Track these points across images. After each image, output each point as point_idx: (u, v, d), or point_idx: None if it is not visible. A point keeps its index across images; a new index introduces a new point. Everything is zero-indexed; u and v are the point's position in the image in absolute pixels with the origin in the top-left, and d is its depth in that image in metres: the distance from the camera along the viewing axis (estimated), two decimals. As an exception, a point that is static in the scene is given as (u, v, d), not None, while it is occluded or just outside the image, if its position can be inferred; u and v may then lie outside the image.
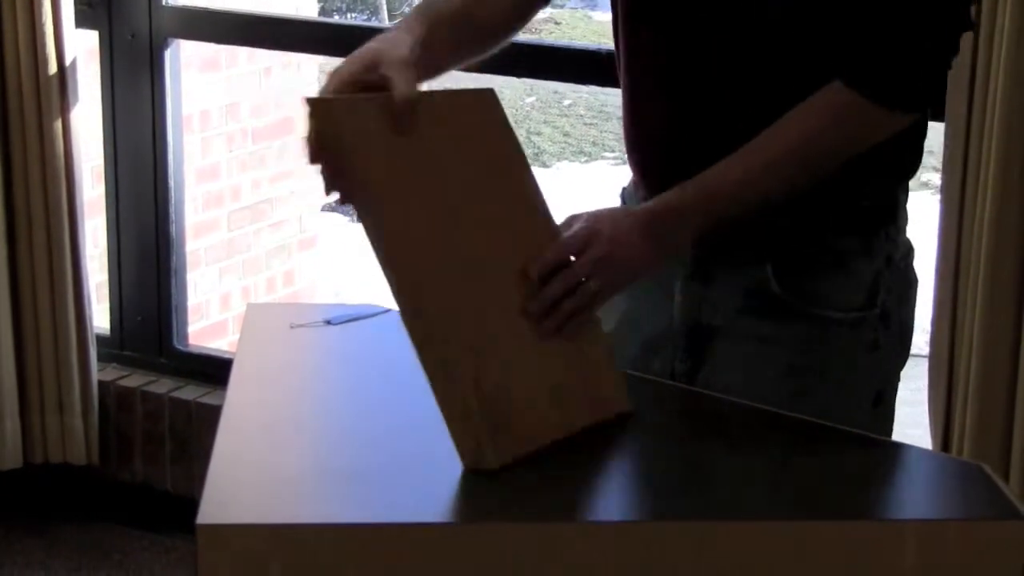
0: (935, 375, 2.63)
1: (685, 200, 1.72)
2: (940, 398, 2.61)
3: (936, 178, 2.56)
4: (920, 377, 2.61)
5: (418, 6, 1.82)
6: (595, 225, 1.68)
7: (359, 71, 1.62)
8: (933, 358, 2.61)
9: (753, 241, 1.81)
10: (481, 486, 1.52)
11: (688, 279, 1.85)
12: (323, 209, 5.26)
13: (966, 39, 2.37)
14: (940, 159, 2.60)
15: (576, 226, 1.69)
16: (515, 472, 1.53)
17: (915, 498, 1.57)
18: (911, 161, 1.85)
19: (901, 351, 1.88)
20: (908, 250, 1.88)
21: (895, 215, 1.85)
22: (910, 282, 1.88)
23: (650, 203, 1.74)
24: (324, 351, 1.77)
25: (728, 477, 1.55)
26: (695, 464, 1.58)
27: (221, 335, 4.29)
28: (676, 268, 1.85)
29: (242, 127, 4.33)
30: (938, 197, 2.60)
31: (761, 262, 1.81)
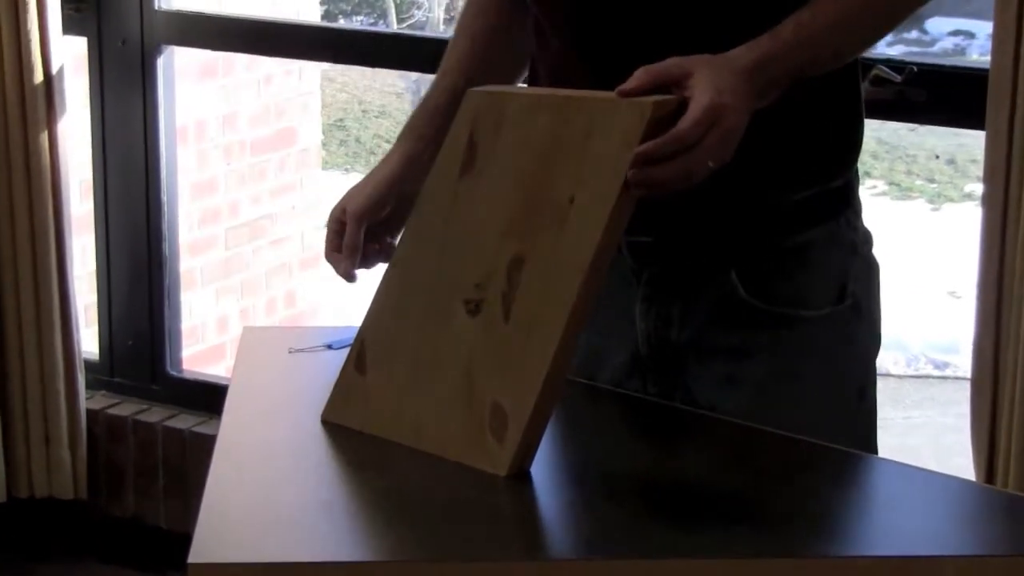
0: (978, 399, 2.56)
1: (783, 44, 1.65)
2: (984, 423, 2.55)
3: (980, 189, 2.56)
4: (963, 402, 2.58)
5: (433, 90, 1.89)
6: (720, 99, 1.57)
7: (335, 225, 1.86)
8: (976, 381, 2.55)
9: (714, 249, 1.79)
10: (484, 522, 1.51)
11: (648, 302, 1.83)
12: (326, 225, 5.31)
13: (1007, 47, 2.41)
14: (983, 169, 2.55)
15: (700, 98, 1.57)
16: (521, 508, 1.55)
17: (955, 532, 1.55)
18: (856, 137, 1.85)
19: (874, 341, 1.89)
20: (868, 236, 1.88)
21: (850, 200, 1.85)
22: (874, 269, 1.88)
23: (747, 52, 1.64)
24: (324, 378, 1.73)
25: (755, 509, 1.53)
26: (716, 495, 1.56)
27: (218, 360, 4.28)
28: (634, 293, 1.83)
29: (240, 139, 4.33)
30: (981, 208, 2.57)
31: (725, 270, 1.79)
